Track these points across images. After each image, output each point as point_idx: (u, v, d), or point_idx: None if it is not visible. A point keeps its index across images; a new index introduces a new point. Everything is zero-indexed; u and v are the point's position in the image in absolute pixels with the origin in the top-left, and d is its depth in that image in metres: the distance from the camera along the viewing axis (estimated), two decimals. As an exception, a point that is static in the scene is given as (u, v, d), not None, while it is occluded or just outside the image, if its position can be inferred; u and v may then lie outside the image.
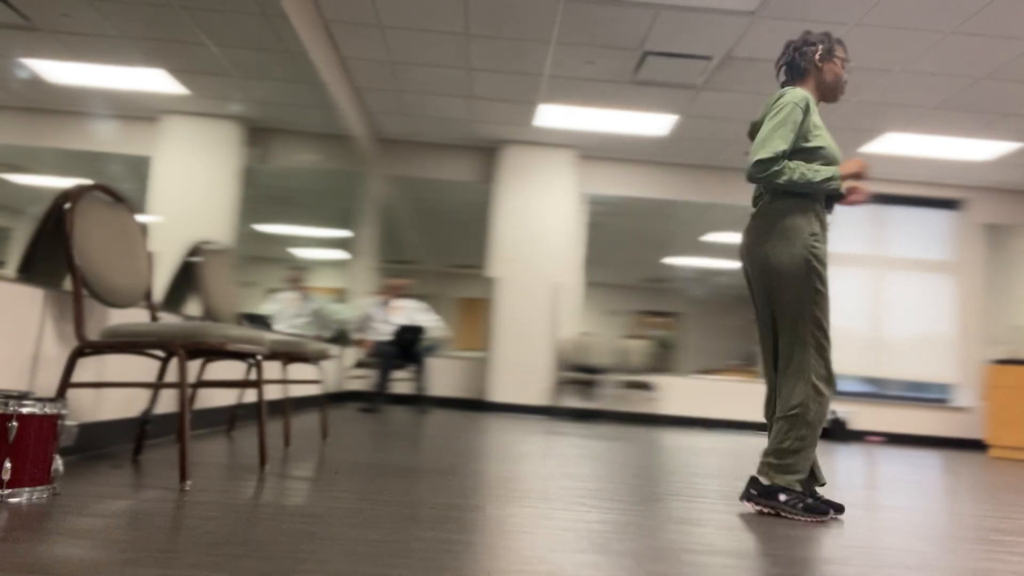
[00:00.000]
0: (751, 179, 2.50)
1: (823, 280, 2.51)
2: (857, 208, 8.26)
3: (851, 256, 8.16)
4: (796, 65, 2.66)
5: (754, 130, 2.65)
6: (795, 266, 2.48)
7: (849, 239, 8.19)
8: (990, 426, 6.97)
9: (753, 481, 2.53)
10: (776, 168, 2.46)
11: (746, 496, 2.53)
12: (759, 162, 2.46)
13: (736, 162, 8.07)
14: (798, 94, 2.53)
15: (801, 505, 2.43)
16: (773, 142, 2.46)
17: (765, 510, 2.48)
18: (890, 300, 8.09)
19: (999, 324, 8.13)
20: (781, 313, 2.52)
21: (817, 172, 2.48)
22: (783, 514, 2.44)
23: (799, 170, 2.47)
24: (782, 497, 2.45)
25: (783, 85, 2.73)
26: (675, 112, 6.74)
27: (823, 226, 2.56)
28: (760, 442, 6.04)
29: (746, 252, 2.61)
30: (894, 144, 7.08)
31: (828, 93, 2.67)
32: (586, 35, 5.41)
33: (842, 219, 8.21)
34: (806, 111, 2.51)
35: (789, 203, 2.52)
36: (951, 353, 8.02)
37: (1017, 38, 4.98)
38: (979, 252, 8.17)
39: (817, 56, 2.63)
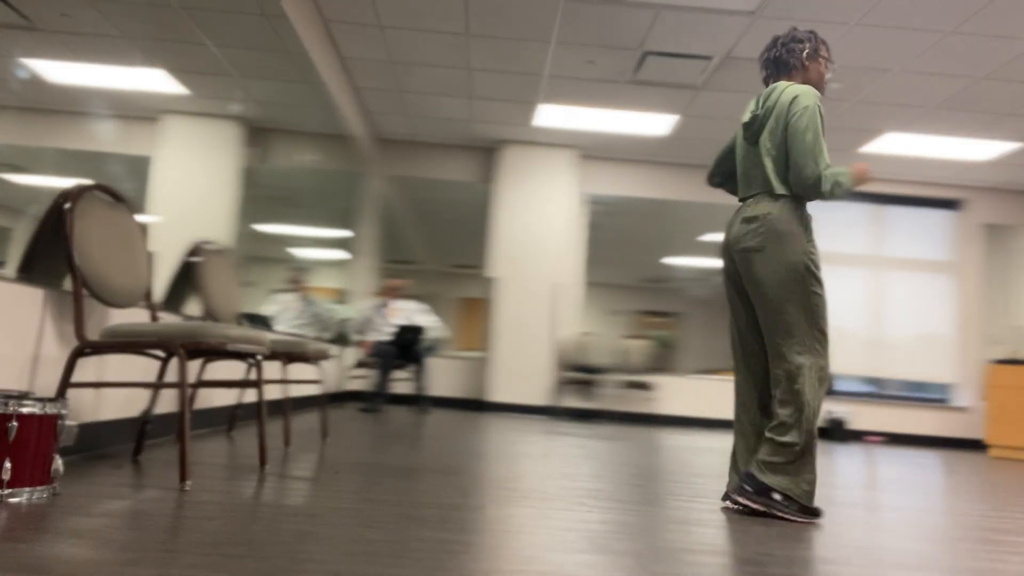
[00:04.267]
0: (817, 193, 2.44)
1: (821, 285, 2.52)
2: (857, 207, 8.26)
3: (851, 256, 8.16)
4: (784, 61, 2.64)
5: (753, 123, 2.61)
6: (798, 273, 2.46)
7: (849, 239, 8.19)
8: (990, 426, 6.96)
9: (748, 477, 2.48)
10: (830, 184, 2.43)
11: (739, 491, 2.48)
12: (828, 179, 2.42)
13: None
14: (815, 94, 2.51)
15: (796, 506, 2.42)
16: (823, 155, 2.45)
17: (757, 507, 2.44)
18: (890, 300, 8.09)
19: (999, 324, 8.13)
20: (780, 320, 2.48)
21: (840, 184, 2.47)
22: (777, 514, 2.42)
23: (844, 184, 2.46)
24: (776, 496, 2.44)
25: (768, 80, 2.71)
26: (675, 112, 6.74)
27: (811, 229, 2.55)
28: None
29: (742, 255, 2.56)
30: (894, 144, 7.08)
31: None
32: (586, 35, 5.41)
33: (842, 219, 8.21)
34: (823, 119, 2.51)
35: (787, 208, 2.50)
36: (951, 353, 8.02)
37: (1017, 38, 4.98)
38: (979, 252, 8.17)
39: (805, 54, 2.63)
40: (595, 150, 8.05)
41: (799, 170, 2.45)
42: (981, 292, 8.11)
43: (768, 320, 2.52)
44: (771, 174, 2.54)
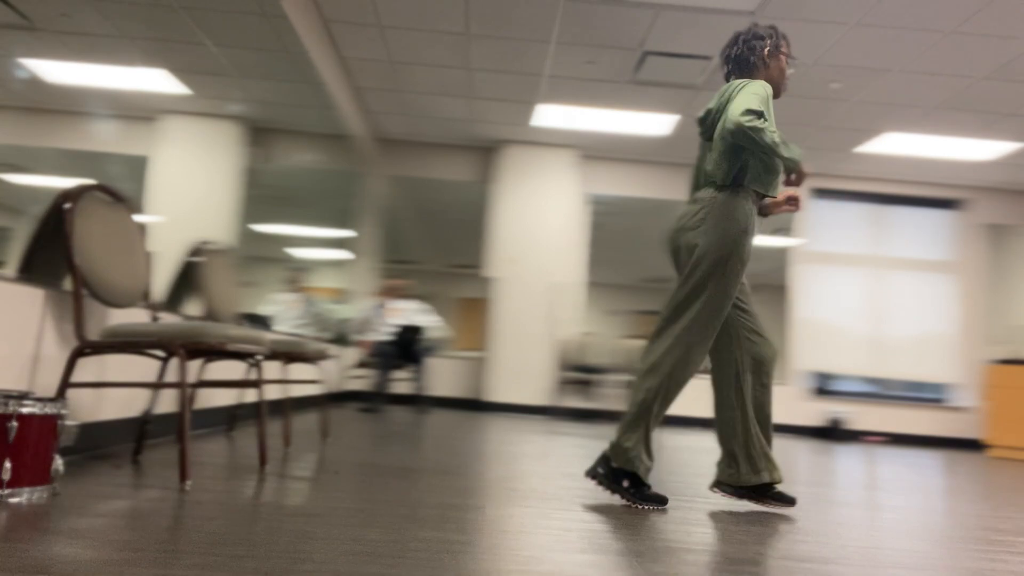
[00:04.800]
0: (738, 129, 2.32)
1: (737, 280, 2.47)
2: (857, 207, 8.26)
3: (851, 256, 8.16)
4: (744, 59, 2.62)
5: (707, 118, 2.59)
6: (719, 257, 2.44)
7: (849, 239, 8.19)
8: (990, 426, 6.97)
9: (603, 460, 2.50)
10: (762, 124, 2.33)
11: (592, 473, 2.51)
12: (750, 111, 2.32)
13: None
14: (765, 84, 2.47)
15: (639, 494, 2.44)
16: (756, 104, 2.36)
17: (608, 492, 2.49)
18: (890, 300, 8.09)
19: (999, 324, 8.13)
20: (683, 294, 2.47)
21: (787, 146, 2.40)
22: (626, 500, 2.46)
23: (776, 135, 2.36)
24: (625, 483, 2.46)
25: (729, 76, 2.69)
26: (675, 112, 6.74)
27: (753, 227, 2.51)
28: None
29: (675, 234, 2.56)
30: (894, 144, 7.08)
31: (773, 89, 2.64)
32: (586, 35, 5.41)
33: (842, 219, 8.21)
34: (768, 105, 2.45)
35: (732, 198, 2.47)
36: (951, 353, 8.02)
37: (1017, 38, 4.98)
38: (979, 252, 8.17)
39: (766, 51, 2.61)
40: (595, 150, 8.05)
41: (725, 120, 2.38)
42: (981, 292, 8.11)
43: (674, 289, 2.51)
44: (720, 166, 2.51)
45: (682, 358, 2.46)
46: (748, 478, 2.56)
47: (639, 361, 2.52)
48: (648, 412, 2.45)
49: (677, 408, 7.87)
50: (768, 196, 2.56)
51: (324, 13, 5.34)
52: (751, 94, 2.40)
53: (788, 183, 2.53)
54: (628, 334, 8.35)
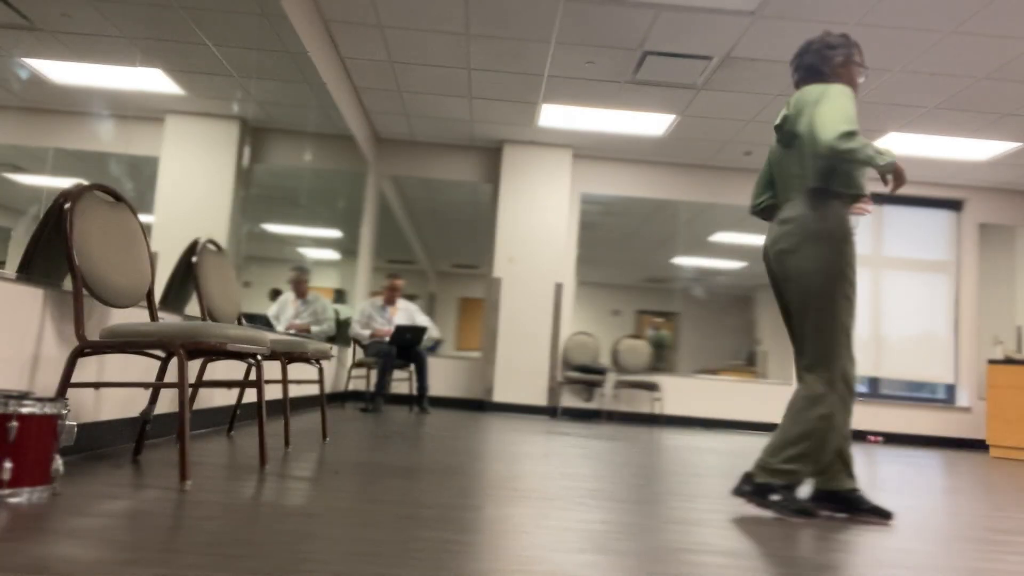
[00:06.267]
0: (836, 152, 2.30)
1: (854, 287, 2.49)
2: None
3: (851, 256, 8.15)
4: (816, 69, 2.61)
5: (784, 124, 2.58)
6: (830, 272, 2.44)
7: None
8: (990, 426, 6.96)
9: (747, 478, 2.51)
10: (857, 143, 2.29)
11: (739, 492, 2.51)
12: (847, 134, 2.29)
13: (736, 162, 8.07)
14: (844, 88, 2.45)
15: (794, 507, 2.43)
16: (849, 118, 2.32)
17: (758, 507, 2.48)
18: (889, 300, 8.09)
19: (998, 324, 8.13)
20: (808, 317, 2.48)
21: (881, 155, 2.33)
22: (776, 513, 2.44)
23: (870, 147, 2.31)
24: (774, 496, 2.45)
25: (799, 84, 2.68)
26: (674, 112, 6.74)
27: (852, 231, 2.51)
28: (760, 441, 6.04)
29: (777, 257, 2.55)
30: (894, 144, 7.08)
31: None
32: (586, 35, 5.41)
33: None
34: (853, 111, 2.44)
35: (822, 208, 2.47)
36: (951, 353, 8.02)
37: (1017, 38, 4.98)
38: (978, 252, 8.17)
39: (837, 61, 2.60)
40: (595, 150, 8.05)
41: (817, 136, 2.35)
42: (980, 292, 8.11)
43: (797, 318, 2.53)
44: (806, 172, 2.51)
45: (838, 375, 2.47)
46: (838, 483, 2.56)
47: (799, 392, 2.50)
48: (823, 440, 2.44)
49: (678, 408, 7.87)
50: (862, 196, 2.53)
51: (324, 13, 5.34)
52: (837, 108, 2.36)
53: (887, 186, 2.49)
54: (628, 334, 8.35)
